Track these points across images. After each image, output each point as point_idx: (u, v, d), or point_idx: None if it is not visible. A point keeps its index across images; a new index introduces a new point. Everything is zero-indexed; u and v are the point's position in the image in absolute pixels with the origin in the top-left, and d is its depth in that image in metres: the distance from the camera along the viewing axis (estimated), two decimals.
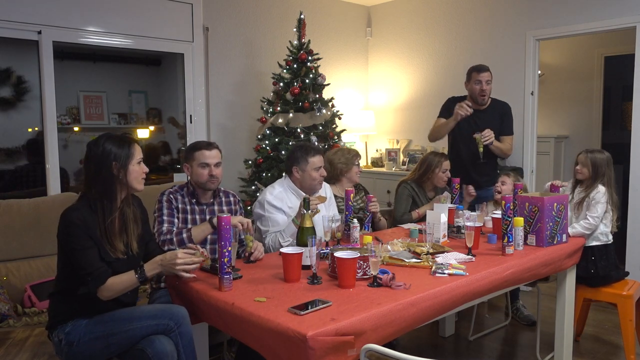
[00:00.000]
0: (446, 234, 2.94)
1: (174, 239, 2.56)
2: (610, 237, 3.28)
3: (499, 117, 3.95)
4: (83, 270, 2.09)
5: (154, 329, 2.13)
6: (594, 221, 3.16)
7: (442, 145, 4.84)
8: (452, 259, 2.52)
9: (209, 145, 2.77)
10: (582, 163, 3.31)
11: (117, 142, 2.19)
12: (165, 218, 2.66)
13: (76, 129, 4.87)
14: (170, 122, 5.38)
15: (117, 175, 2.17)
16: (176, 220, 2.69)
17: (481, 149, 3.76)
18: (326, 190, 3.31)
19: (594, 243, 3.23)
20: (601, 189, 3.21)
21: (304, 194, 3.07)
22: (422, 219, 3.63)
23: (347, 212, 2.97)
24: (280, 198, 3.03)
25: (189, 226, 2.69)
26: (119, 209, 2.22)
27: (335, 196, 3.43)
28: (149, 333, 2.13)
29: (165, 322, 2.14)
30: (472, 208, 3.57)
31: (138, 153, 2.24)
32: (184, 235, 2.56)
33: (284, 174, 3.28)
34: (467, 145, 3.92)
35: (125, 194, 2.25)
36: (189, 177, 2.81)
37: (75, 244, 2.10)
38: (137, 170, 2.22)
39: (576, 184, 3.38)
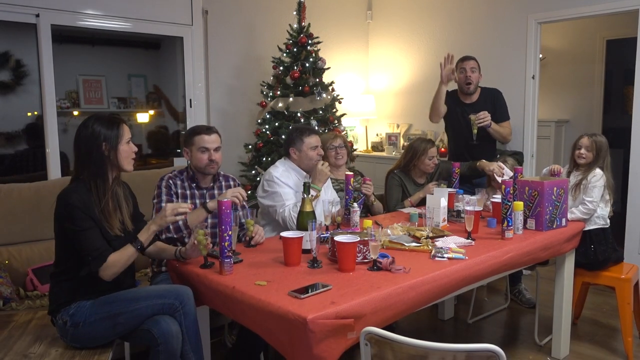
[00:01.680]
0: (446, 218, 2.95)
1: (171, 226, 2.57)
2: (608, 220, 3.29)
3: (491, 105, 3.93)
4: (84, 251, 2.12)
5: (160, 308, 2.15)
6: (591, 205, 3.16)
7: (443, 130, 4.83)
8: (452, 243, 2.53)
9: (208, 130, 2.76)
10: (586, 147, 3.28)
11: (106, 123, 2.20)
12: (163, 205, 2.66)
13: (76, 113, 4.85)
14: (168, 110, 5.36)
15: (108, 156, 2.19)
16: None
17: (475, 131, 3.76)
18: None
19: (592, 227, 3.24)
20: (598, 172, 3.21)
21: (305, 173, 3.12)
22: (421, 203, 3.64)
23: (347, 197, 2.97)
24: (285, 176, 3.08)
25: None
26: (111, 189, 2.24)
27: (332, 179, 3.45)
28: (155, 312, 2.15)
29: (171, 301, 2.17)
30: (472, 193, 3.58)
31: (127, 133, 2.26)
32: (180, 222, 2.57)
33: (283, 157, 3.28)
34: (461, 131, 3.93)
35: (116, 174, 2.27)
36: (188, 162, 2.81)
37: (76, 225, 2.11)
38: (126, 149, 2.24)
39: (572, 168, 3.38)
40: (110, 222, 2.20)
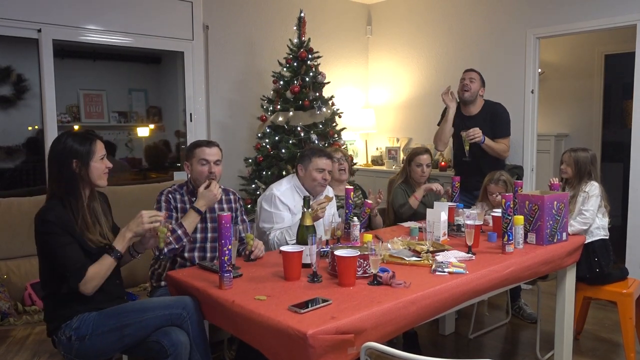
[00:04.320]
0: (446, 232, 2.94)
1: (171, 238, 2.55)
2: (608, 232, 3.29)
3: (489, 120, 3.92)
4: (62, 268, 2.10)
5: (168, 318, 2.16)
6: (589, 214, 3.16)
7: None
8: (452, 257, 2.52)
9: (209, 143, 2.78)
10: (565, 162, 3.34)
11: (79, 139, 2.19)
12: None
13: (76, 127, 4.87)
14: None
15: (79, 173, 2.17)
16: (174, 221, 2.69)
17: (467, 147, 3.76)
18: (329, 191, 3.33)
19: (594, 238, 3.23)
20: (595, 183, 3.23)
21: (307, 194, 3.10)
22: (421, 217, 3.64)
23: (347, 211, 2.97)
24: (287, 196, 3.06)
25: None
26: (87, 205, 2.23)
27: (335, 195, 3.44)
28: (162, 323, 2.15)
29: (179, 311, 2.17)
30: (471, 204, 3.58)
31: (100, 150, 2.23)
32: (179, 231, 2.56)
33: (292, 173, 3.28)
34: (460, 145, 3.93)
35: (90, 190, 2.26)
36: (189, 176, 2.82)
37: (53, 241, 2.10)
38: (98, 167, 2.22)
39: (565, 184, 3.39)
40: (90, 236, 2.18)
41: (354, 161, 5.46)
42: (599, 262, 3.21)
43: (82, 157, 2.17)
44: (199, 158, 2.72)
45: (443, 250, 2.63)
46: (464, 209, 3.11)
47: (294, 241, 2.84)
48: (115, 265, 2.20)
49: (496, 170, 3.60)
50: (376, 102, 6.02)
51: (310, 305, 1.87)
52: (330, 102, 4.62)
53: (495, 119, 3.94)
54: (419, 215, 3.68)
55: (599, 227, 3.25)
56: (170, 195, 2.73)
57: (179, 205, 2.73)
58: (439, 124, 4.14)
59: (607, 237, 3.28)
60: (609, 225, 3.30)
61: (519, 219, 2.71)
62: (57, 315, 2.19)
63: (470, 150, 3.79)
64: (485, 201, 3.55)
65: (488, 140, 3.79)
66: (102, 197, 2.42)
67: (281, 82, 4.50)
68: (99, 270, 2.14)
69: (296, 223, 2.88)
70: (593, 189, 3.21)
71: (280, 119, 4.41)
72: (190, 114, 4.66)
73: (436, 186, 3.64)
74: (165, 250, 2.51)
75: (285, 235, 2.91)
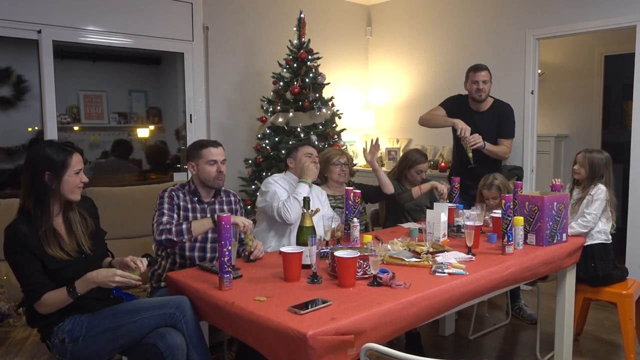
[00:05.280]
0: (446, 233, 2.94)
1: (173, 229, 2.51)
2: (610, 236, 3.28)
3: (497, 119, 3.91)
4: (21, 286, 2.11)
5: (162, 319, 2.15)
6: (590, 218, 3.15)
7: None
8: (452, 258, 2.52)
9: (214, 143, 2.80)
10: (580, 163, 3.31)
11: (56, 151, 2.14)
12: (166, 211, 2.64)
13: (76, 128, 4.87)
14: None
15: (50, 186, 2.13)
16: (176, 216, 2.69)
17: (470, 154, 3.72)
18: (322, 193, 3.40)
19: (593, 242, 3.22)
20: (602, 187, 3.21)
21: (306, 195, 3.12)
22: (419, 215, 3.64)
23: (347, 212, 2.97)
24: (282, 181, 3.19)
25: None
26: (62, 213, 2.21)
27: (328, 195, 3.47)
28: (156, 323, 2.15)
29: (172, 311, 2.16)
30: (468, 205, 3.57)
31: (76, 164, 2.18)
32: (184, 226, 2.52)
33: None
34: (461, 154, 3.88)
35: (64, 202, 2.22)
36: (191, 176, 2.82)
37: (14, 260, 2.10)
38: (71, 181, 2.17)
39: (574, 184, 3.38)
40: (50, 252, 2.12)
41: (355, 162, 5.47)
42: (595, 267, 3.21)
43: (56, 169, 2.12)
44: (208, 159, 2.73)
45: (443, 251, 2.63)
46: (464, 210, 3.11)
47: (302, 195, 2.92)
48: (70, 301, 2.12)
49: (490, 174, 3.57)
50: (376, 103, 6.02)
51: (310, 306, 1.87)
52: (330, 103, 4.62)
53: (503, 119, 3.92)
54: (418, 215, 3.69)
55: (600, 231, 3.23)
56: (173, 193, 2.73)
57: (181, 204, 2.73)
58: (440, 105, 4.07)
59: (609, 242, 3.27)
60: (612, 231, 3.29)
61: (519, 219, 2.71)
62: (48, 318, 2.17)
63: (473, 157, 3.76)
64: (481, 203, 3.54)
65: (489, 145, 3.77)
66: (86, 202, 2.38)
67: (281, 83, 4.50)
68: (54, 300, 2.10)
69: (301, 185, 3.08)
70: (598, 193, 3.19)
71: (280, 120, 4.41)
72: (190, 115, 4.66)
73: (441, 187, 3.63)
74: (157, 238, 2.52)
75: (293, 196, 3.00)
